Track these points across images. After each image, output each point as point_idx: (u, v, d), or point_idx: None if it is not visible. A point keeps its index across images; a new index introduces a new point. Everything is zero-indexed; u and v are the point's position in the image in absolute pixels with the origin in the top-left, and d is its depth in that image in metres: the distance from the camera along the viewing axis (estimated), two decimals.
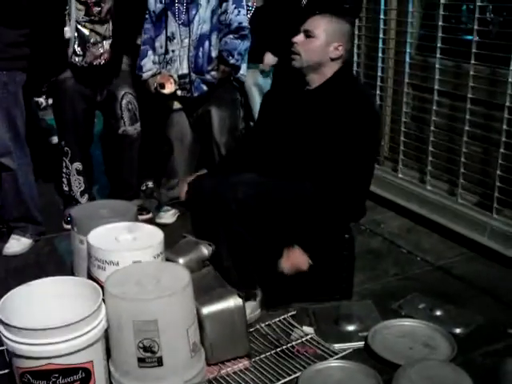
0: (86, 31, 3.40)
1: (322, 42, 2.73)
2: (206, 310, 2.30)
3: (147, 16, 3.48)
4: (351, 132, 2.63)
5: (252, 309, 2.66)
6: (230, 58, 3.48)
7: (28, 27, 3.27)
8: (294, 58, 2.77)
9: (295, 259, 2.61)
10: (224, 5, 3.46)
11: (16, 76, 3.31)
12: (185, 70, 3.51)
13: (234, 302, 2.35)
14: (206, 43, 3.47)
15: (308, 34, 2.74)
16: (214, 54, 3.50)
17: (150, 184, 4.26)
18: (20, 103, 3.39)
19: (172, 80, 3.44)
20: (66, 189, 3.77)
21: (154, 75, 3.52)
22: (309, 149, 2.70)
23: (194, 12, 3.42)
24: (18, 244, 3.45)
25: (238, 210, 2.57)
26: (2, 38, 3.20)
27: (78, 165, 3.69)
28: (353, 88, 2.80)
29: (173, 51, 3.50)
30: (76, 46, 3.41)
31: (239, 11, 3.46)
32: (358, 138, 2.65)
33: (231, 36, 3.48)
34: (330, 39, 2.73)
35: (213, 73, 3.52)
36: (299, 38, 2.76)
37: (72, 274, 2.70)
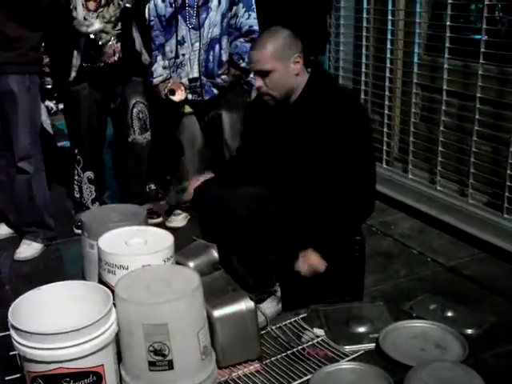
0: (93, 36, 3.41)
1: (281, 69, 2.60)
2: (218, 312, 2.30)
3: (153, 23, 3.49)
4: (345, 133, 2.60)
5: (275, 302, 2.70)
6: (241, 61, 3.48)
7: (44, 30, 3.30)
8: (268, 100, 2.68)
9: (312, 261, 2.60)
10: (234, 8, 3.46)
11: (36, 80, 3.36)
12: (195, 74, 3.52)
13: (245, 304, 2.35)
14: (217, 47, 3.47)
15: (264, 73, 2.61)
16: (224, 57, 3.50)
17: (153, 186, 4.28)
18: (39, 108, 3.45)
19: (183, 87, 3.45)
20: (78, 196, 3.79)
21: (164, 81, 3.54)
22: (306, 160, 2.68)
23: (204, 16, 3.42)
24: (28, 249, 3.46)
25: (241, 226, 2.56)
26: (26, 42, 3.24)
27: (89, 173, 3.72)
28: (330, 88, 2.76)
29: (183, 55, 3.51)
30: (89, 49, 3.42)
31: (250, 14, 3.46)
32: (352, 137, 2.61)
33: (242, 39, 3.47)
34: (285, 61, 2.60)
35: (223, 76, 3.53)
36: (260, 83, 2.63)
37: (82, 278, 2.71)
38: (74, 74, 3.45)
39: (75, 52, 3.40)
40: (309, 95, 2.68)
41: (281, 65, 2.60)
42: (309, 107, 2.67)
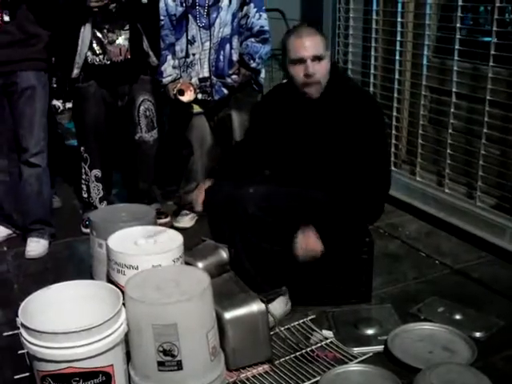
0: (100, 34, 3.42)
1: (328, 58, 2.65)
2: (229, 314, 2.30)
3: (162, 22, 3.48)
4: (365, 133, 2.62)
5: (284, 303, 2.68)
6: (252, 61, 3.48)
7: (53, 28, 3.34)
8: (315, 90, 2.65)
9: (309, 243, 2.58)
10: (245, 8, 3.46)
11: (47, 77, 3.43)
12: (206, 74, 3.52)
13: (257, 307, 2.35)
14: (227, 46, 3.47)
15: (318, 59, 2.61)
16: (235, 57, 3.51)
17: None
18: (49, 104, 3.47)
19: (192, 88, 3.45)
20: (85, 195, 3.79)
21: (174, 80, 3.54)
22: (323, 158, 2.68)
23: (215, 15, 3.42)
24: (38, 246, 3.47)
25: (251, 223, 2.57)
26: (42, 39, 3.31)
27: (96, 172, 3.71)
28: (351, 89, 2.78)
29: (193, 55, 3.51)
30: (95, 45, 3.43)
31: (260, 15, 3.46)
32: (372, 138, 2.64)
33: (253, 39, 3.48)
34: (328, 53, 2.66)
35: (234, 76, 3.52)
36: (313, 69, 2.59)
37: (91, 277, 2.71)
38: (76, 71, 3.47)
39: (79, 49, 3.41)
40: (331, 94, 2.69)
41: (327, 55, 2.65)
42: (331, 106, 2.68)
